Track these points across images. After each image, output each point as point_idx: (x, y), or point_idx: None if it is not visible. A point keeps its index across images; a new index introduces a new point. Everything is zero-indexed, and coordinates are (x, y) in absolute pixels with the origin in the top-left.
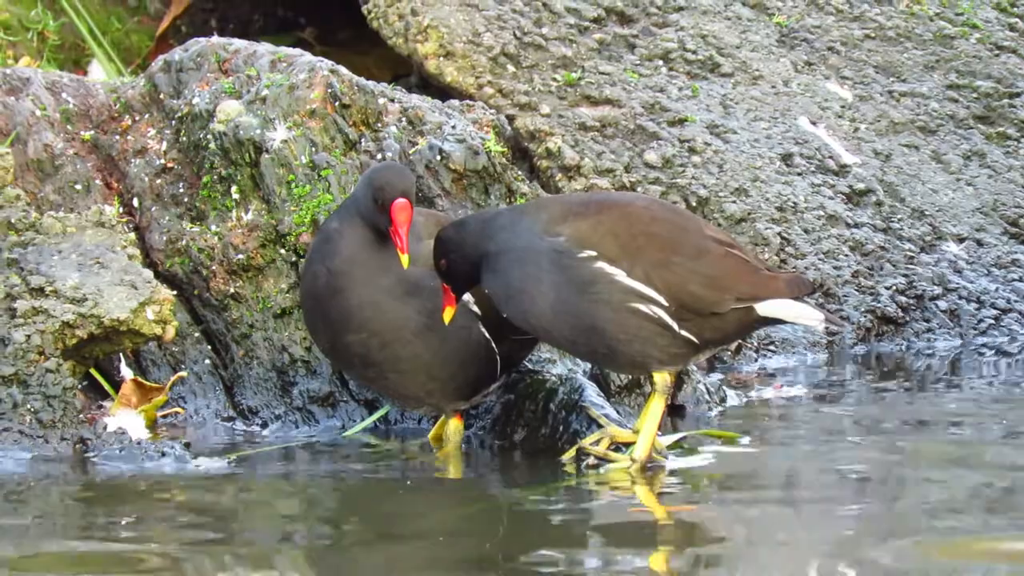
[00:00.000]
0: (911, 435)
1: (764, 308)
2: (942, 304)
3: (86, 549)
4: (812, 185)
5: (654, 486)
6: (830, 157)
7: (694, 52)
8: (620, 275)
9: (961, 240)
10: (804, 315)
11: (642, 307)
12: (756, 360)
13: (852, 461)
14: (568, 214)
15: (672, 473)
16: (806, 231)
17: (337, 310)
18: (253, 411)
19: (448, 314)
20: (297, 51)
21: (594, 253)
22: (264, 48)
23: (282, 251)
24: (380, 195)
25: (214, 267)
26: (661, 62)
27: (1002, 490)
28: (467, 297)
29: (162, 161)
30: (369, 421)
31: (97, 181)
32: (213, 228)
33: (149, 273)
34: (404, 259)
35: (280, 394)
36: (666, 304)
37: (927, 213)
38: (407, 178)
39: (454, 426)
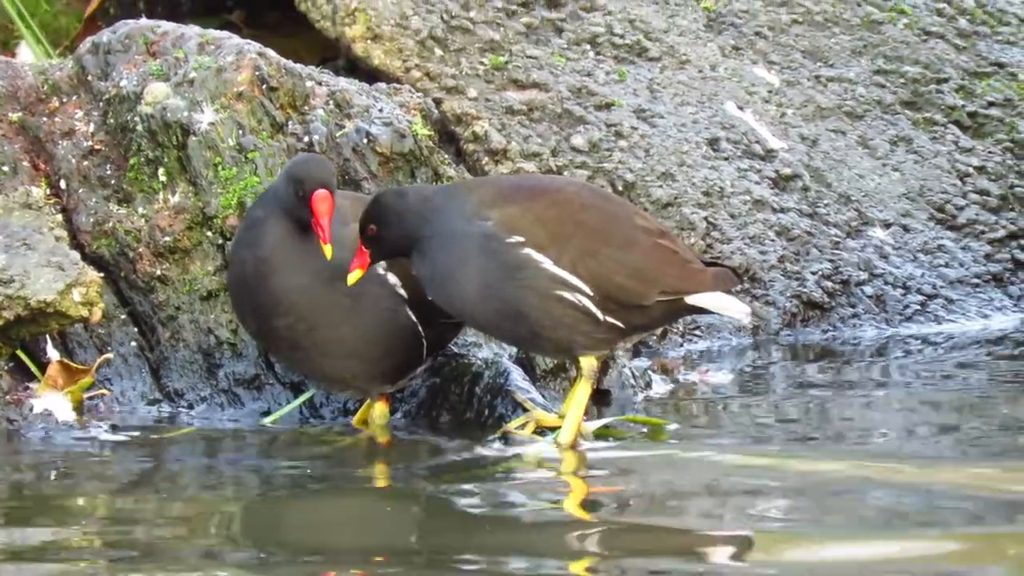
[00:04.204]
0: (828, 422)
1: (691, 299)
2: (868, 289)
3: (6, 534)
4: (739, 170)
5: (578, 470)
6: (757, 142)
7: (621, 36)
8: (547, 263)
9: (887, 225)
10: (730, 307)
11: (567, 295)
12: (682, 345)
13: (774, 446)
14: (498, 198)
15: (596, 457)
16: (732, 216)
17: (265, 295)
18: (179, 393)
19: (354, 277)
20: (225, 34)
21: (522, 239)
22: (192, 30)
23: (209, 233)
24: (300, 187)
25: (141, 249)
26: (588, 46)
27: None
28: (393, 280)
29: (89, 143)
30: (294, 405)
31: (24, 163)
32: (140, 210)
33: (76, 255)
34: (327, 250)
35: (206, 376)
36: (591, 294)
37: (853, 198)
38: (327, 169)
39: (379, 410)
